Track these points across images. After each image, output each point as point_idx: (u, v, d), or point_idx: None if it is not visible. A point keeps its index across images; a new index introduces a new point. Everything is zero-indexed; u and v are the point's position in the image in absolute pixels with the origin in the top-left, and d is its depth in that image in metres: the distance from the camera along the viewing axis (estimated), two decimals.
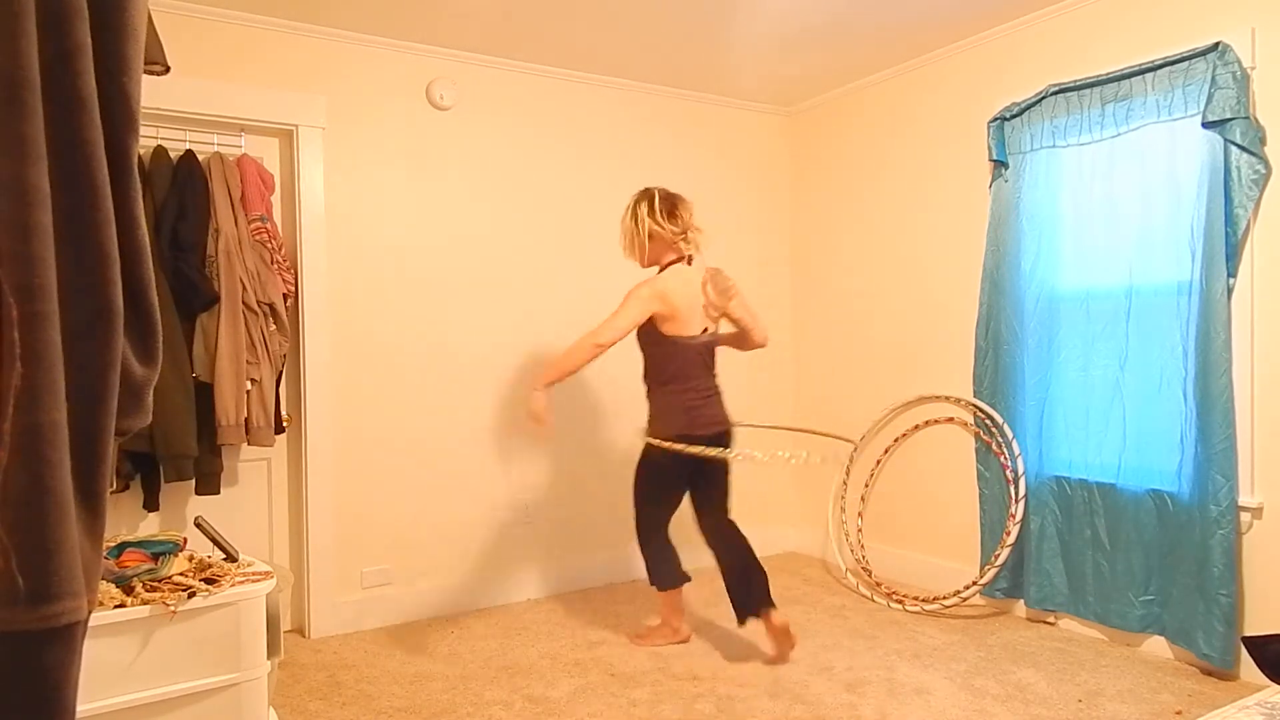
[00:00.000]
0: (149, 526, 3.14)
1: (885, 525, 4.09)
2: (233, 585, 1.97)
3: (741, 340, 3.24)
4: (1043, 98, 3.28)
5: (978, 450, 3.60)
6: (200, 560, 2.08)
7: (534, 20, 3.36)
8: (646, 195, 3.10)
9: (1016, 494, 3.35)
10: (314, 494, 3.41)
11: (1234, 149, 2.73)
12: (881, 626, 3.40)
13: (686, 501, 3.17)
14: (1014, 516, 3.34)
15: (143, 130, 1.13)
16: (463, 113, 3.71)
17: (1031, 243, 3.35)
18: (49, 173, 0.89)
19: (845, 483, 4.21)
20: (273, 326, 3.15)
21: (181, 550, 2.10)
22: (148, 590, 1.88)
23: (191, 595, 1.89)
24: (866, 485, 4.16)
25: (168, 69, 1.60)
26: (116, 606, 1.82)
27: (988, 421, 3.52)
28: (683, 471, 3.07)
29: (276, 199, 3.35)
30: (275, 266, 3.17)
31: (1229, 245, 2.75)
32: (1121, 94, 3.04)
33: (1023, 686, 2.78)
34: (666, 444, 2.96)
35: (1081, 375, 3.21)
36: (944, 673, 2.91)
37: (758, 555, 3.04)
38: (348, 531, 3.49)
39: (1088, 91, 3.14)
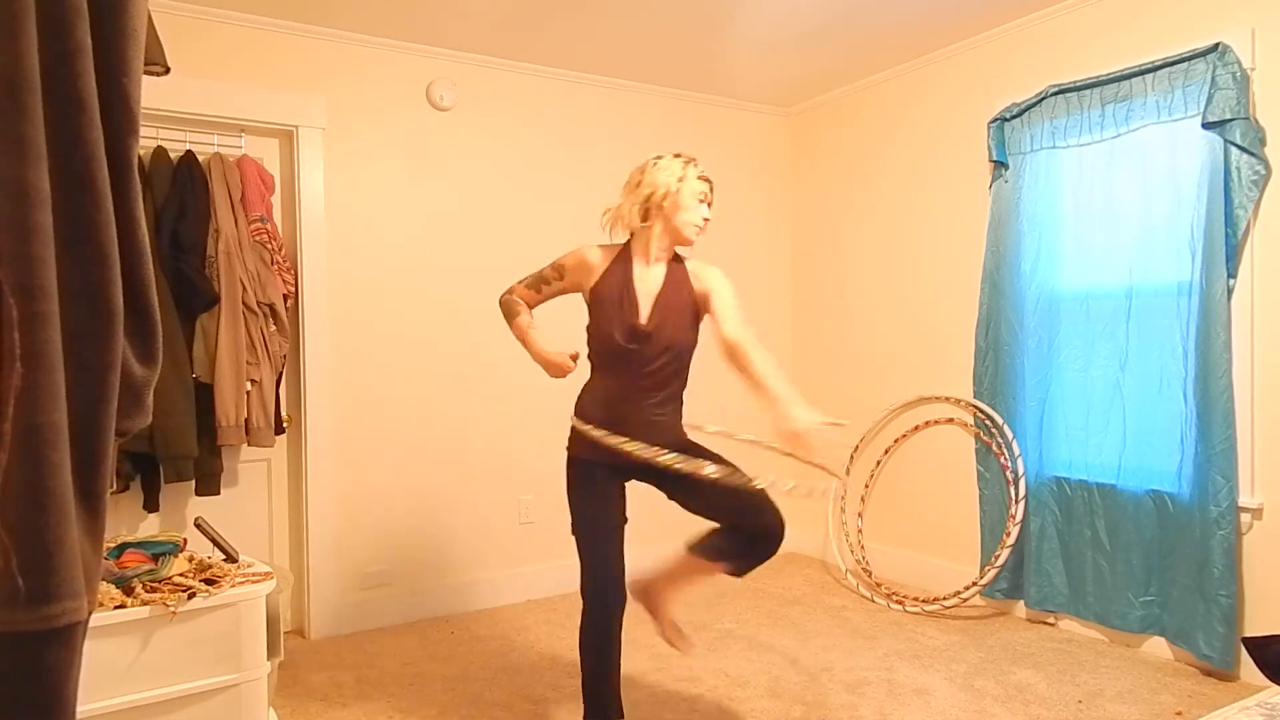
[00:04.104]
0: (149, 527, 3.14)
1: (885, 525, 4.09)
2: (233, 586, 1.97)
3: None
4: (1043, 98, 3.28)
5: (978, 451, 3.60)
6: (200, 561, 2.08)
7: (534, 20, 3.36)
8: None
9: (1016, 494, 3.35)
10: (314, 494, 3.41)
11: (1234, 150, 2.73)
12: (881, 627, 3.40)
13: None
14: (1014, 517, 3.34)
15: (143, 131, 1.13)
16: (463, 113, 3.72)
17: (1031, 243, 3.35)
18: (49, 173, 0.89)
19: (845, 483, 4.21)
20: (273, 327, 3.15)
21: (181, 551, 2.10)
22: (148, 591, 1.88)
23: (191, 596, 1.89)
24: (866, 485, 4.16)
25: (168, 70, 1.60)
26: (116, 607, 1.82)
27: (988, 422, 3.52)
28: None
29: (276, 199, 3.35)
30: (275, 267, 3.17)
31: (1229, 246, 2.75)
32: (1121, 94, 3.04)
33: (1023, 687, 2.78)
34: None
35: (1081, 376, 3.21)
36: (944, 673, 2.91)
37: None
38: (348, 531, 3.49)
39: (1088, 92, 3.14)
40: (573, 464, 2.32)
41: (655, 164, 2.27)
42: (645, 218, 2.25)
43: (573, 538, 2.29)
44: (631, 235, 2.30)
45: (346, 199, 3.48)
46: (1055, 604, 3.29)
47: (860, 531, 4.14)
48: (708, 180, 2.30)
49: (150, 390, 1.06)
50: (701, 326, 2.33)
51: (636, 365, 2.23)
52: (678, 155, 2.30)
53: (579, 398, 2.33)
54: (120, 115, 0.97)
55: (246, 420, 3.05)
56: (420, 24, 3.38)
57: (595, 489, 2.27)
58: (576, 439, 2.30)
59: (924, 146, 3.88)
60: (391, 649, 3.25)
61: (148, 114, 2.46)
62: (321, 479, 3.43)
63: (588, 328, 2.31)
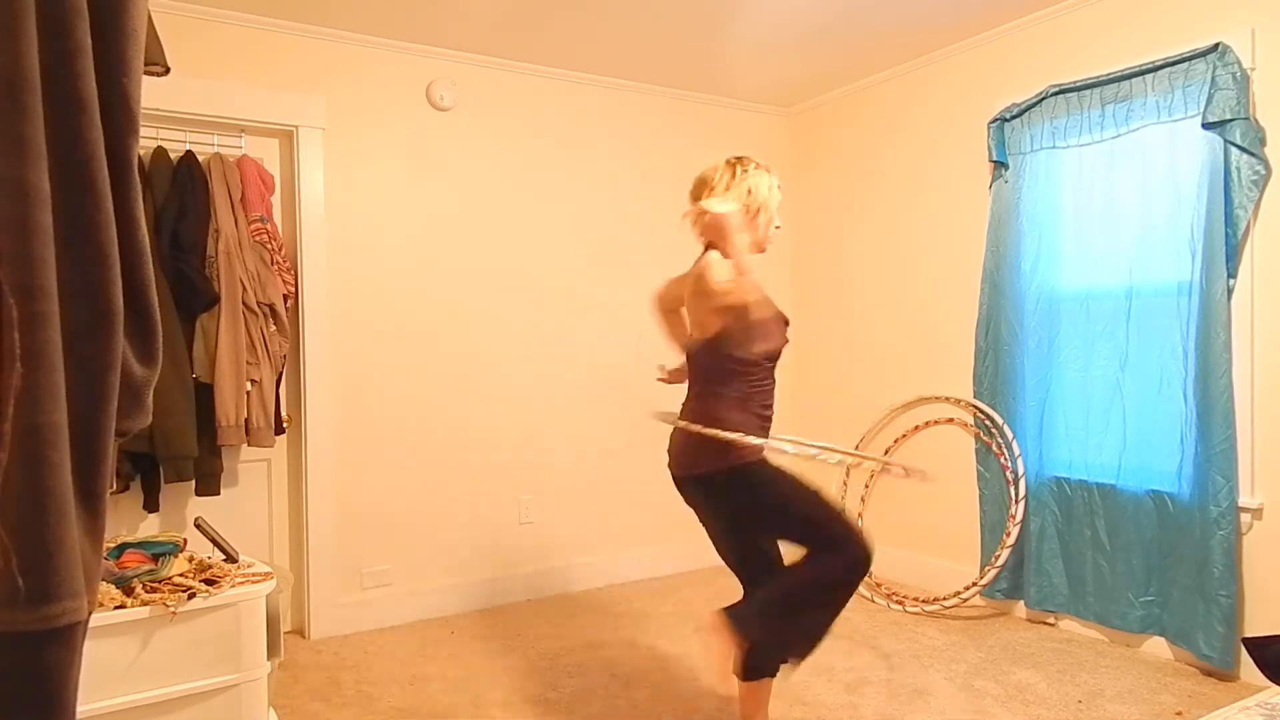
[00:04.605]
0: (149, 527, 3.14)
1: (885, 525, 4.08)
2: (232, 586, 1.97)
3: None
4: (1043, 98, 3.28)
5: (978, 451, 3.60)
6: (200, 561, 2.08)
7: (534, 20, 3.36)
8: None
9: (1016, 495, 3.35)
10: (314, 494, 3.41)
11: (1234, 150, 2.73)
12: (881, 627, 3.40)
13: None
14: (1014, 517, 3.34)
15: (143, 131, 1.13)
16: (463, 113, 3.71)
17: (1031, 243, 3.35)
18: (49, 173, 0.89)
19: (845, 483, 4.21)
20: (273, 327, 3.15)
21: (181, 551, 2.10)
22: (148, 591, 1.88)
23: (191, 596, 1.89)
24: (866, 485, 4.16)
25: (168, 70, 1.60)
26: (116, 607, 1.82)
27: (988, 422, 3.52)
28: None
29: (276, 199, 3.35)
30: (275, 267, 3.17)
31: (1229, 246, 2.75)
32: (1121, 95, 3.04)
33: (1023, 687, 2.78)
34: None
35: (1081, 376, 3.21)
36: (944, 673, 2.91)
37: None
38: (348, 532, 3.49)
39: (1088, 92, 3.14)
40: (751, 466, 2.18)
41: (745, 172, 2.27)
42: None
43: (789, 523, 2.21)
44: (712, 242, 2.23)
45: (346, 199, 3.48)
46: (1055, 604, 3.29)
47: None
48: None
49: (150, 390, 1.06)
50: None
51: (777, 357, 2.27)
52: (758, 164, 2.32)
53: (731, 414, 2.19)
54: (120, 115, 0.97)
55: (246, 420, 3.06)
56: (420, 24, 3.38)
57: (784, 474, 2.21)
58: (742, 445, 2.17)
59: (924, 146, 3.88)
60: (391, 649, 3.25)
61: (148, 114, 2.46)
62: (321, 479, 3.42)
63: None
